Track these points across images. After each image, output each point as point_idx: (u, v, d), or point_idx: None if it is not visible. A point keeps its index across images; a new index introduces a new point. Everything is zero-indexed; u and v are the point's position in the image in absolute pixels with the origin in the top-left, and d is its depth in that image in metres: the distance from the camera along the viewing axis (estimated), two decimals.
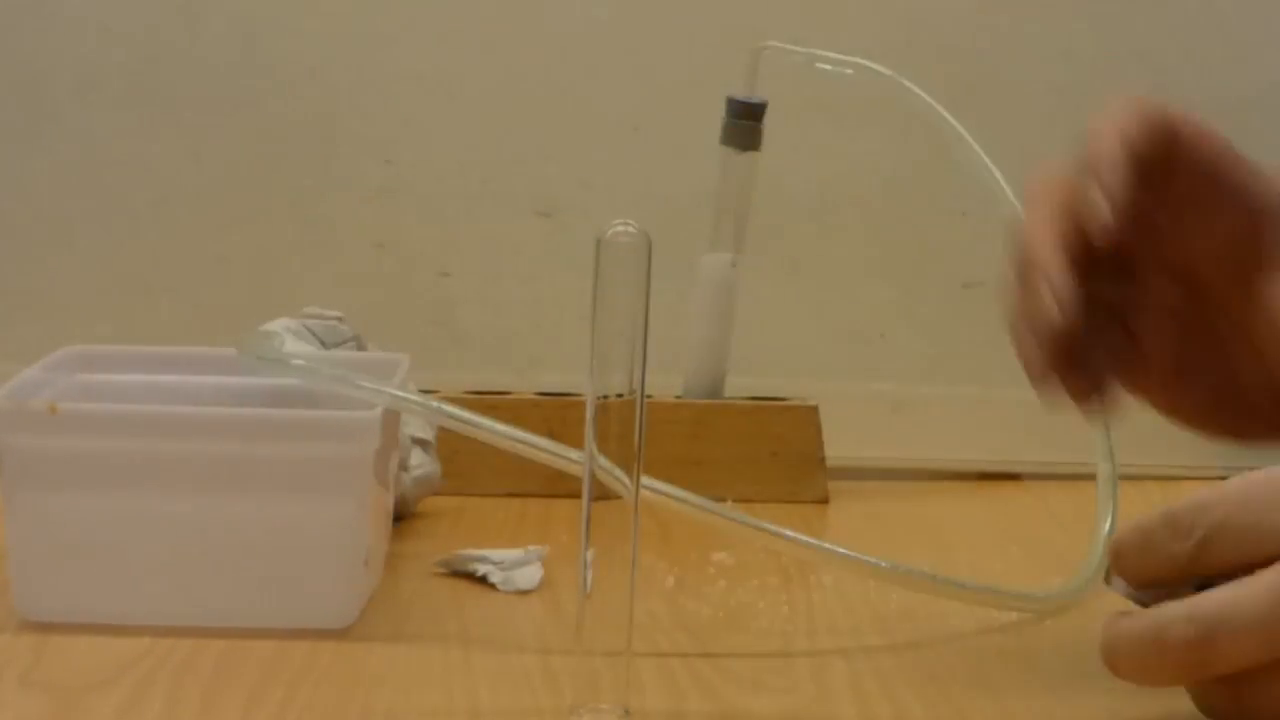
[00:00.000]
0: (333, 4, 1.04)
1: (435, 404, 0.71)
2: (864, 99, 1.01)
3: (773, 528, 0.71)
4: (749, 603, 0.77)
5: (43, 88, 1.04)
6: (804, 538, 0.72)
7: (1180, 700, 0.65)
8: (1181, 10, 1.05)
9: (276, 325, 0.84)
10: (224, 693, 0.64)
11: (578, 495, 0.61)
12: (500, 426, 0.69)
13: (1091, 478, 0.83)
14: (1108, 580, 0.62)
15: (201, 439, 0.69)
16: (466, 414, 0.70)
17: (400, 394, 0.71)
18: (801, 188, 1.05)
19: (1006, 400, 1.05)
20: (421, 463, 0.87)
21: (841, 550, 0.72)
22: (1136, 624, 0.59)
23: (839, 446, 0.98)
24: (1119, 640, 0.59)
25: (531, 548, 0.79)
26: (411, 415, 0.83)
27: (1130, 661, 0.59)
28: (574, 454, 0.68)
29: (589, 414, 0.60)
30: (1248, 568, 0.58)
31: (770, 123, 0.94)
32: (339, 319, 0.86)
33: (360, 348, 0.86)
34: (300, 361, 0.72)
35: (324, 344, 0.85)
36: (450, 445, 0.88)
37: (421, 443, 0.87)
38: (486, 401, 0.95)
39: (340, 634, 0.70)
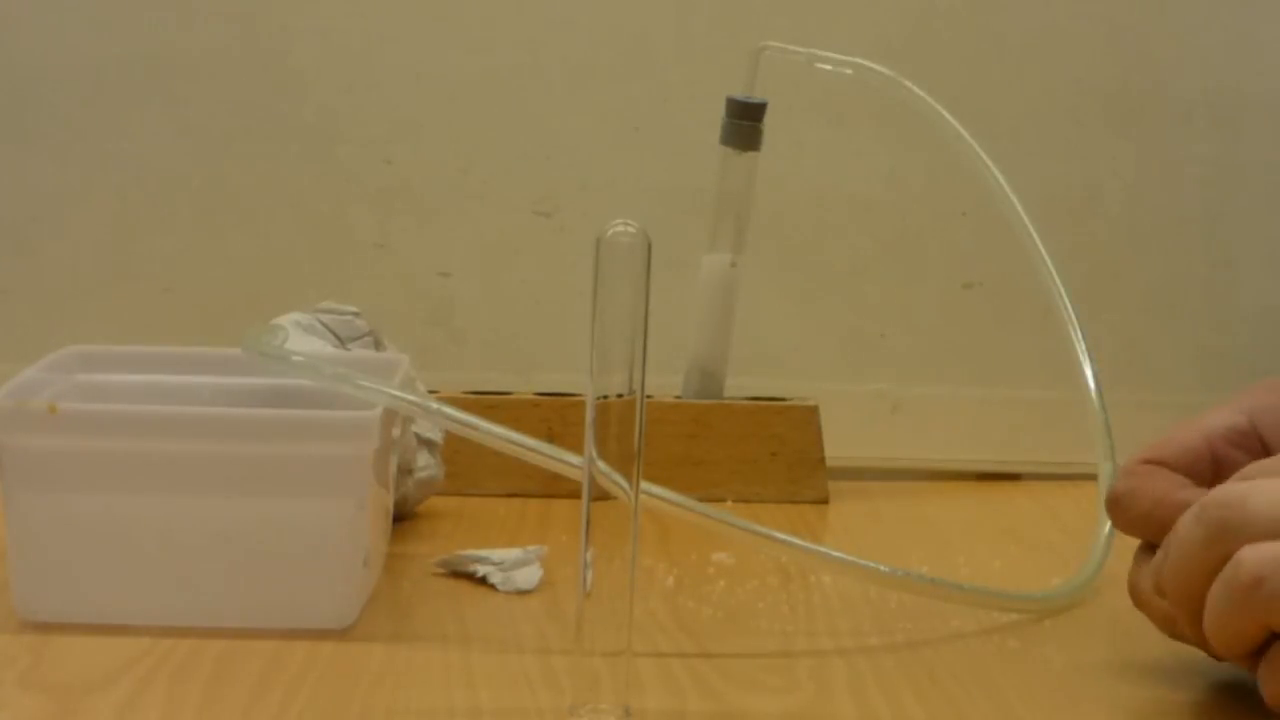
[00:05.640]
0: (332, 4, 1.04)
1: (435, 405, 0.71)
2: (864, 99, 1.01)
3: (772, 532, 0.71)
4: (749, 603, 0.77)
5: (43, 88, 1.04)
6: (802, 542, 0.71)
7: (1179, 698, 0.65)
8: (1182, 9, 1.05)
9: (288, 319, 0.84)
10: (224, 693, 0.64)
11: (577, 495, 0.61)
12: (499, 429, 0.69)
13: (1091, 478, 0.83)
14: None
15: (201, 439, 0.69)
16: (466, 415, 0.70)
17: (400, 394, 0.71)
18: (801, 188, 1.05)
19: (1006, 400, 1.05)
20: (427, 465, 0.87)
21: (839, 555, 0.72)
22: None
23: (839, 446, 0.98)
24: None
25: (531, 548, 0.79)
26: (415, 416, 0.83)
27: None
28: (573, 458, 0.68)
29: (589, 414, 0.60)
30: None
31: (770, 123, 0.94)
32: (355, 314, 0.86)
33: (377, 343, 0.86)
34: (300, 359, 0.72)
35: (339, 339, 0.85)
36: (450, 445, 0.88)
37: (428, 444, 0.87)
38: (486, 402, 0.95)
39: (340, 634, 0.70)
